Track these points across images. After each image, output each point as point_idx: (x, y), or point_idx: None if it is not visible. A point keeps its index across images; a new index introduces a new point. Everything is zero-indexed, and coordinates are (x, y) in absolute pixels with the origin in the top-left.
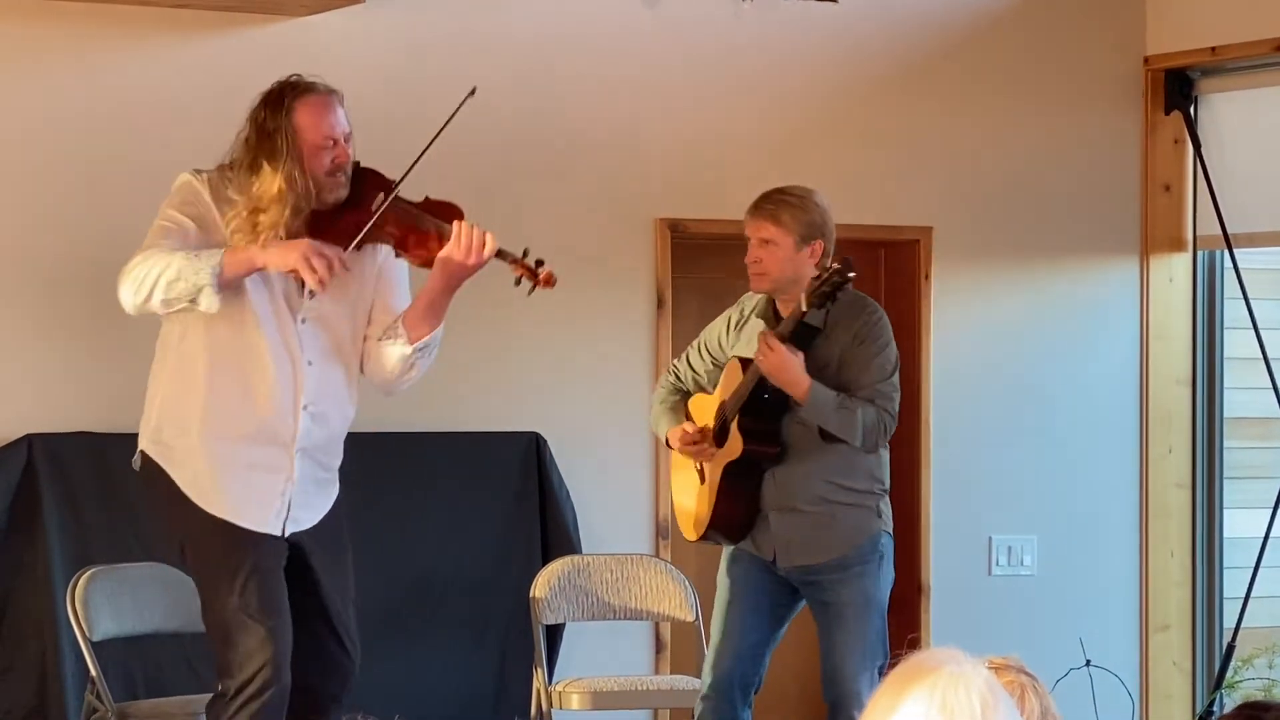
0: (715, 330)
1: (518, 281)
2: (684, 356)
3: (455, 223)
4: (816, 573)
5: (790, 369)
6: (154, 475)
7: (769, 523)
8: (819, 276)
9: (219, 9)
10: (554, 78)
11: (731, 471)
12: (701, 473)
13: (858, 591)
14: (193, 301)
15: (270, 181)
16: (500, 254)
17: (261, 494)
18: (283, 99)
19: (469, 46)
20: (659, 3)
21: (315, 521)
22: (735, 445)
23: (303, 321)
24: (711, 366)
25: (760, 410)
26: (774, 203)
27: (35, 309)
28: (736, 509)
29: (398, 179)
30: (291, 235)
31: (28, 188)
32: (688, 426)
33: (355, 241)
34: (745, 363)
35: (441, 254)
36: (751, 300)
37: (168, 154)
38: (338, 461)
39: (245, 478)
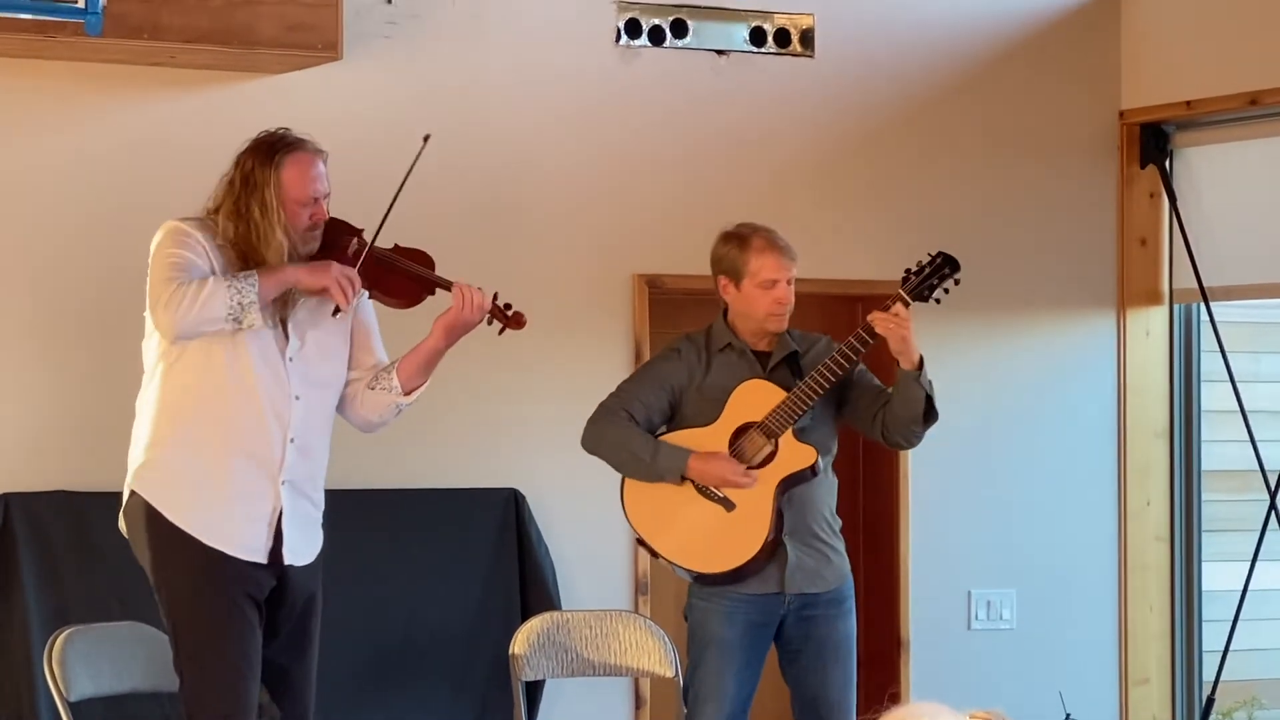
0: (668, 370)
1: (489, 321)
2: (631, 395)
3: (455, 285)
4: (815, 605)
5: (912, 336)
6: (141, 513)
7: (784, 548)
8: (917, 271)
9: (198, 67)
10: (530, 133)
11: (782, 486)
12: (723, 501)
13: (849, 627)
14: (236, 320)
15: (270, 233)
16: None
17: (250, 522)
18: (273, 153)
19: (443, 103)
20: (637, 58)
21: (307, 561)
22: (800, 455)
23: (290, 360)
24: (666, 405)
25: (804, 425)
26: (784, 241)
27: (11, 366)
28: (776, 533)
29: (371, 230)
30: None
31: (5, 245)
32: (720, 454)
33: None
34: (779, 384)
35: (446, 316)
36: (698, 337)
37: (147, 211)
38: (321, 497)
39: (233, 507)
